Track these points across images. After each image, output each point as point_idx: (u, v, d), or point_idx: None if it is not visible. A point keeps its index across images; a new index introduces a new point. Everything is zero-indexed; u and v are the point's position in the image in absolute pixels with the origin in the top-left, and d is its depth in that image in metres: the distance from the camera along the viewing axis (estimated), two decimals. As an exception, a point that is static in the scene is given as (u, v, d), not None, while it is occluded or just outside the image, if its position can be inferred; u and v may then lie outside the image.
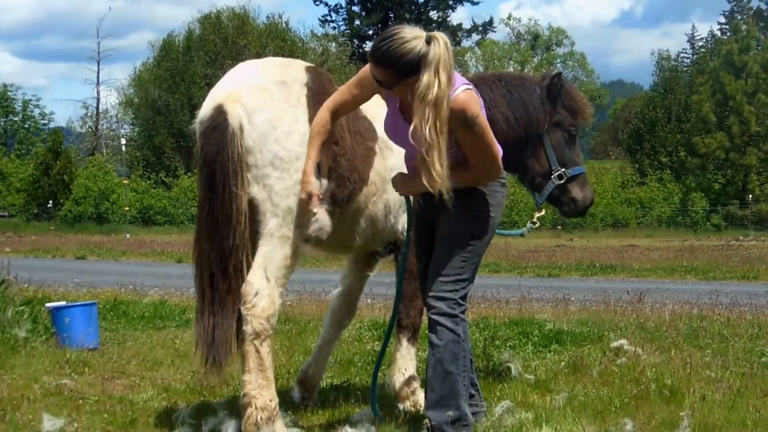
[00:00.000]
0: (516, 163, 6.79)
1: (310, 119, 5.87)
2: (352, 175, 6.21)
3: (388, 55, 5.31)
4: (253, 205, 5.84)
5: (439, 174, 5.30)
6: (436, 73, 5.25)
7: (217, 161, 5.72)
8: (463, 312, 5.75)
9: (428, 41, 5.28)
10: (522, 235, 7.67)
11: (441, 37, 5.33)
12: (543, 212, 7.19)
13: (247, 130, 5.76)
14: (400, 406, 6.86)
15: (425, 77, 5.25)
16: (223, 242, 5.77)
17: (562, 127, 6.89)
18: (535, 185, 6.98)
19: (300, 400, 7.22)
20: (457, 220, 5.72)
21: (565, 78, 7.26)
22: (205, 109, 5.90)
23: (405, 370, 6.89)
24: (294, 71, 6.12)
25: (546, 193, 6.92)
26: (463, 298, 5.75)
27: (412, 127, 5.35)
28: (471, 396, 6.02)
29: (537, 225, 7.33)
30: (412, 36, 5.29)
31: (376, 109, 6.29)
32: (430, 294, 5.75)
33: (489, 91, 6.80)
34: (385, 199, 6.40)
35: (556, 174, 6.83)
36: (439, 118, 5.27)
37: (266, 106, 5.84)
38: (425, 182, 5.37)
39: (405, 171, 5.97)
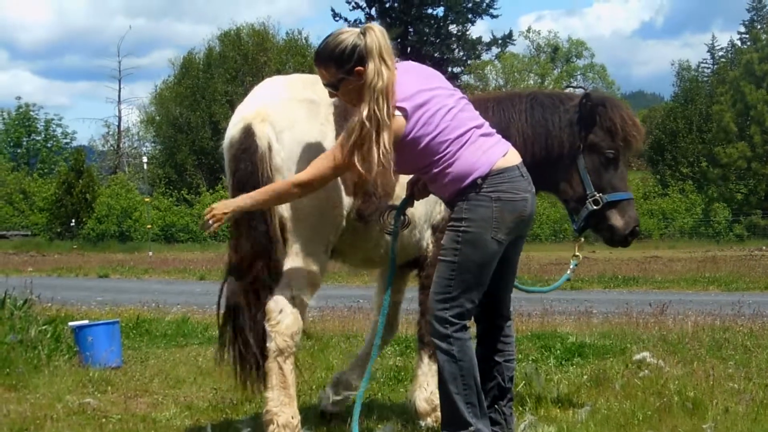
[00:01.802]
0: (541, 183, 6.63)
1: (338, 138, 5.88)
2: (378, 191, 6.20)
3: (325, 50, 5.56)
4: (281, 222, 5.86)
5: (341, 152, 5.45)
6: (381, 60, 5.42)
7: (249, 184, 5.73)
8: (458, 330, 5.61)
9: (363, 33, 5.47)
10: (568, 279, 7.45)
11: (375, 26, 5.53)
12: (582, 240, 7.02)
13: (276, 149, 5.77)
14: (422, 423, 6.86)
15: (370, 65, 5.41)
16: (264, 259, 5.84)
17: (599, 150, 6.61)
18: (571, 210, 6.79)
19: (327, 401, 7.19)
20: (446, 236, 5.67)
21: (610, 97, 7.07)
22: (233, 131, 5.90)
23: (426, 386, 6.86)
24: (321, 89, 6.10)
25: (581, 218, 6.69)
26: (458, 316, 5.60)
27: (363, 111, 5.41)
28: (496, 423, 5.97)
29: (580, 259, 7.07)
30: (346, 31, 5.56)
31: None
32: (429, 314, 5.73)
33: (510, 106, 6.71)
34: (410, 214, 6.37)
35: (591, 199, 6.57)
36: (386, 104, 5.39)
37: (295, 125, 5.85)
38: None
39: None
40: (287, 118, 5.86)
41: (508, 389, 6.08)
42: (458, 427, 5.59)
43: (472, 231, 5.52)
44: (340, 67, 5.50)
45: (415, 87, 5.54)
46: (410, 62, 5.78)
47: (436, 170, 5.56)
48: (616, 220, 6.63)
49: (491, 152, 5.59)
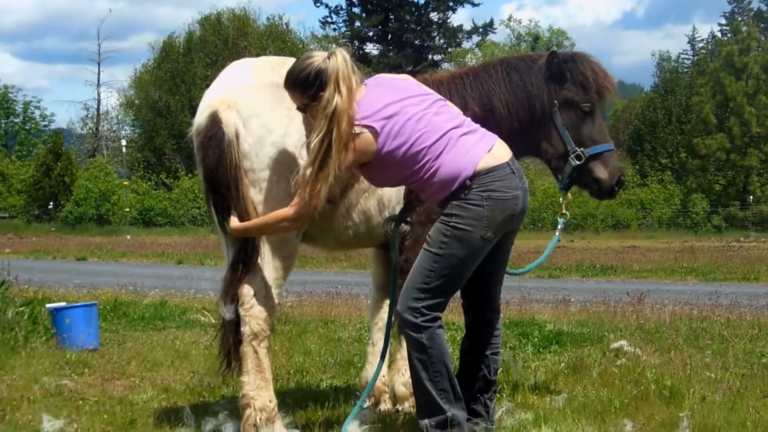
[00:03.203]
0: (529, 147, 6.57)
1: (305, 120, 5.87)
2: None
3: (291, 75, 5.60)
4: (252, 207, 5.85)
5: (304, 183, 5.49)
6: (336, 86, 5.44)
7: (218, 171, 5.76)
8: (430, 321, 5.56)
9: (329, 57, 5.51)
10: (558, 241, 7.38)
11: (339, 52, 5.55)
12: (570, 197, 6.87)
13: (243, 135, 5.78)
14: (399, 407, 6.87)
15: (327, 91, 5.44)
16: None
17: (575, 105, 6.55)
18: (555, 169, 6.70)
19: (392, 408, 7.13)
20: (434, 227, 5.64)
21: (580, 53, 7.01)
22: (200, 118, 5.92)
23: (405, 370, 6.86)
24: None
25: (566, 176, 6.61)
26: (430, 308, 5.56)
27: (316, 134, 5.47)
28: (478, 414, 5.97)
29: (567, 217, 6.98)
30: (314, 55, 5.60)
31: None
32: (399, 301, 5.69)
33: (488, 78, 6.63)
34: (378, 195, 6.37)
35: (574, 155, 6.50)
36: (337, 130, 5.42)
37: (261, 111, 5.85)
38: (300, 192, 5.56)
39: None
40: (253, 104, 5.87)
41: (493, 382, 6.07)
42: (434, 414, 5.57)
43: (462, 228, 5.49)
44: (304, 92, 5.55)
45: (384, 100, 5.54)
46: (383, 76, 5.82)
47: (420, 179, 5.56)
48: (601, 172, 6.56)
49: (473, 152, 5.55)
